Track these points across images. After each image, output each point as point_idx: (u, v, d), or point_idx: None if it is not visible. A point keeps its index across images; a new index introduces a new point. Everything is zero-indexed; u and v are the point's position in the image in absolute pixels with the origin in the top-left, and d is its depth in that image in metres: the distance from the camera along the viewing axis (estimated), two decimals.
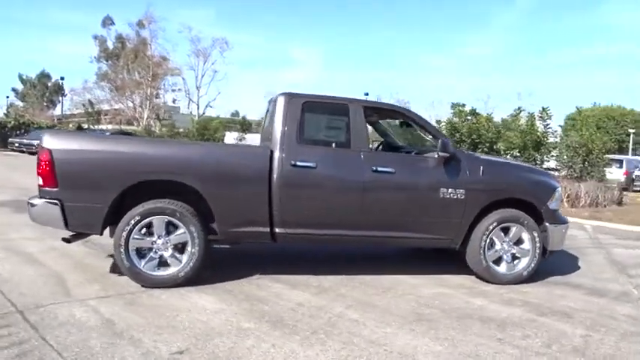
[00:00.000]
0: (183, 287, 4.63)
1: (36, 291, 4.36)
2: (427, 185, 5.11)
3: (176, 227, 4.64)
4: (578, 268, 6.34)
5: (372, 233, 5.10)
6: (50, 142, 4.46)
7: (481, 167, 5.26)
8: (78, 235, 4.81)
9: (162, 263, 4.66)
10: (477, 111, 16.23)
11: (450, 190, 5.12)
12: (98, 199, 4.51)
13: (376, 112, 5.54)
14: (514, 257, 5.38)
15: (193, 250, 4.64)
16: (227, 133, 32.80)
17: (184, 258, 4.65)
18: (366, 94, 50.04)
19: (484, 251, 5.24)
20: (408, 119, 5.46)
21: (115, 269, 5.07)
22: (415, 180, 5.12)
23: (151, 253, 4.62)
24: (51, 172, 4.42)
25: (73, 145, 4.55)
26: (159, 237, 4.62)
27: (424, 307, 4.48)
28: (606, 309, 4.68)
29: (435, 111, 44.84)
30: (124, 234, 4.53)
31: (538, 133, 15.19)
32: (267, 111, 6.21)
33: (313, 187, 4.89)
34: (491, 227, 5.23)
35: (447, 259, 6.02)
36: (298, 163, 4.80)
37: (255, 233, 4.87)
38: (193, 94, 45.50)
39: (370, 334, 3.77)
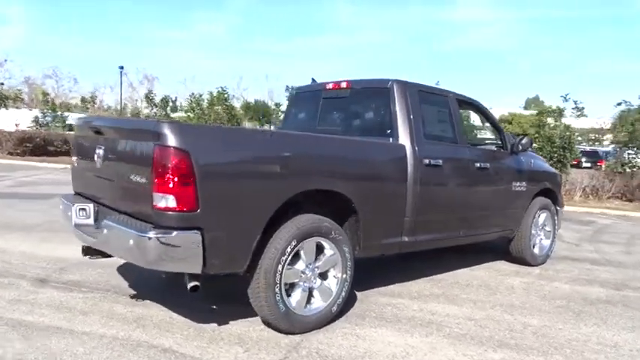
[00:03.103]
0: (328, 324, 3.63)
1: None
2: (507, 179, 5.19)
3: (321, 249, 3.56)
4: None
5: (472, 232, 4.93)
6: (185, 139, 2.80)
7: (532, 161, 5.61)
8: (196, 277, 3.19)
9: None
10: None
11: (518, 183, 5.31)
12: (250, 222, 3.09)
13: (459, 104, 5.26)
14: (540, 240, 5.96)
15: (345, 276, 3.65)
16: None
17: (334, 287, 3.62)
18: (121, 68, 45.58)
19: (530, 237, 5.65)
20: (480, 112, 5.38)
21: (196, 316, 3.61)
22: (500, 175, 5.12)
23: (299, 288, 3.44)
24: (190, 186, 2.80)
25: (221, 144, 2.98)
26: (308, 264, 3.47)
27: (549, 300, 4.56)
28: None
29: (188, 89, 44.19)
30: (280, 267, 3.24)
31: None
32: (293, 101, 5.26)
33: (441, 187, 4.39)
34: (536, 215, 5.67)
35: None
36: (431, 162, 4.23)
37: (388, 245, 4.11)
38: None
39: (587, 338, 3.68)
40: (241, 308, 3.64)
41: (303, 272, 3.43)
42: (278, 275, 3.23)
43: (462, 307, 4.20)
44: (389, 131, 4.19)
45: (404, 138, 4.13)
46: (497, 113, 62.99)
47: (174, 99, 35.00)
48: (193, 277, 3.06)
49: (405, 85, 4.29)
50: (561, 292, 4.81)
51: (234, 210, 3.00)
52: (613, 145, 17.25)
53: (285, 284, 3.34)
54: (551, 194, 5.95)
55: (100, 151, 3.35)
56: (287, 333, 3.40)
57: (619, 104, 16.73)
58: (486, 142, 5.79)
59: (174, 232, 2.79)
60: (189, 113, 21.75)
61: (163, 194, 2.78)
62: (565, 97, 16.16)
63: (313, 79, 5.25)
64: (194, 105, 21.41)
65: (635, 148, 15.91)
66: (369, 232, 3.84)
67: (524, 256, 5.67)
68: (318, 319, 3.51)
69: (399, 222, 4.08)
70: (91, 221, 3.54)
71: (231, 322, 3.58)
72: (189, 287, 3.04)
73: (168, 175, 2.76)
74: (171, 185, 2.76)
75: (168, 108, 32.22)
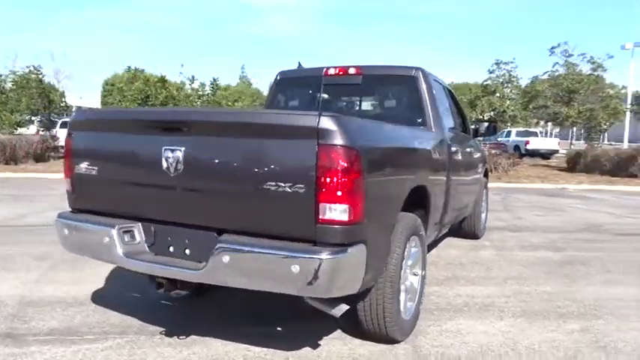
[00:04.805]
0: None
1: None
2: (477, 162, 5.55)
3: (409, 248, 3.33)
4: None
5: (462, 214, 5.16)
6: (354, 135, 2.29)
7: (480, 144, 6.10)
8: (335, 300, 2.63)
9: None
10: (166, 78, 15.08)
11: (481, 164, 5.74)
12: (390, 227, 2.72)
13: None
14: None
15: (424, 272, 3.49)
16: None
17: (417, 284, 3.41)
18: None
19: (480, 212, 6.18)
20: (452, 98, 5.53)
21: (272, 343, 3.09)
22: (476, 158, 5.44)
23: (403, 291, 3.17)
24: (361, 192, 2.32)
25: (376, 139, 2.51)
26: (403, 265, 3.21)
27: (531, 267, 5.08)
28: (572, 237, 6.65)
29: None
30: (402, 273, 2.94)
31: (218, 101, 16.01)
32: (279, 87, 4.77)
33: (458, 172, 4.45)
34: (483, 193, 6.21)
35: None
36: (456, 149, 4.28)
37: (433, 235, 4.05)
38: None
39: (603, 297, 4.18)
40: (298, 325, 3.36)
41: (403, 273, 3.18)
42: (402, 282, 2.94)
43: (486, 287, 4.39)
44: (419, 120, 4.09)
45: (435, 126, 4.09)
46: None
47: None
48: (330, 300, 2.58)
49: (426, 73, 4.23)
50: (531, 259, 5.40)
51: (382, 215, 2.61)
52: None
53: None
54: (486, 172, 6.60)
55: (175, 154, 2.51)
56: (391, 342, 3.11)
57: None
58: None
59: (349, 250, 2.30)
60: None
61: (333, 204, 2.25)
62: None
63: (300, 64, 4.80)
64: None
65: None
66: (431, 224, 3.74)
67: (475, 231, 6.18)
68: (413, 321, 3.30)
69: (440, 210, 4.06)
70: (142, 247, 2.70)
71: (320, 343, 3.13)
72: (340, 313, 2.55)
73: (340, 181, 2.24)
74: (340, 193, 2.25)
75: None
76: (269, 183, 2.31)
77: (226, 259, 2.35)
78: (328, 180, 2.23)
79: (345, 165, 2.25)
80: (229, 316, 3.59)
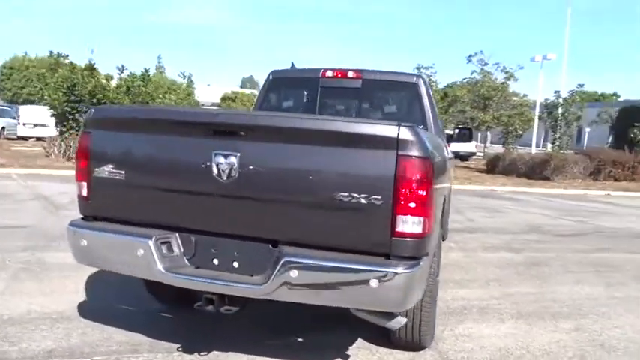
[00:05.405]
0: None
1: None
2: (451, 166, 5.71)
3: None
4: None
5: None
6: (427, 146, 2.27)
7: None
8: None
9: None
10: (94, 66, 13.87)
11: (452, 169, 5.92)
12: (437, 235, 2.72)
13: None
14: None
15: (438, 278, 3.53)
16: None
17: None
18: None
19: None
20: None
21: (299, 356, 3.01)
22: (451, 164, 5.60)
23: None
24: (432, 204, 2.30)
25: (438, 149, 2.53)
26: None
27: (502, 268, 5.37)
28: (522, 238, 7.06)
29: None
30: (436, 281, 2.96)
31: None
32: (272, 86, 4.61)
33: (449, 178, 4.57)
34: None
35: None
36: (449, 155, 4.38)
37: None
38: None
39: (576, 296, 4.52)
40: (317, 335, 3.32)
41: None
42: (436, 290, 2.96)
43: (473, 290, 4.57)
44: (421, 127, 4.13)
45: (435, 133, 4.16)
46: (220, 91, 63.82)
47: None
48: (387, 313, 2.53)
49: (426, 81, 4.30)
50: (498, 261, 5.69)
51: (436, 225, 2.61)
52: None
53: None
54: None
55: (229, 160, 2.32)
56: (419, 349, 3.13)
57: None
58: None
59: (421, 262, 2.27)
60: None
61: (409, 216, 2.20)
62: None
63: (292, 64, 4.66)
64: None
65: None
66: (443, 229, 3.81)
67: (443, 233, 6.38)
68: (434, 327, 3.33)
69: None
70: (182, 260, 2.49)
71: (349, 353, 3.07)
72: (398, 325, 2.51)
73: (417, 193, 2.20)
74: (415, 205, 2.21)
75: None
76: (341, 194, 2.21)
77: (294, 273, 2.21)
78: (407, 192, 2.18)
79: (422, 177, 2.21)
80: (243, 327, 3.40)
